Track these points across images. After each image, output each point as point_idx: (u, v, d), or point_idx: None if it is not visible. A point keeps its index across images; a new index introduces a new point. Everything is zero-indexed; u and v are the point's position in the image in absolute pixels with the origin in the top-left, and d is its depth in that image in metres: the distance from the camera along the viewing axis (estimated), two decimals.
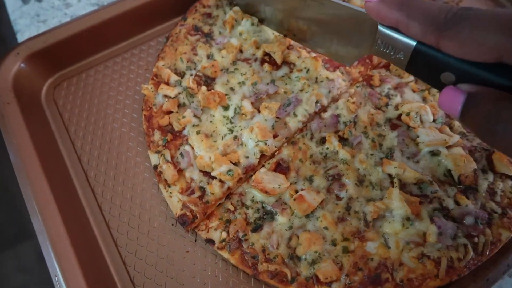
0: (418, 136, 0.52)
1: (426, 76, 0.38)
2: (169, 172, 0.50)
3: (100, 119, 0.57)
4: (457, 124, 0.54)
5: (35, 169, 0.48)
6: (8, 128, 0.50)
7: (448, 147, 0.51)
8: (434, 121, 0.54)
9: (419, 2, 0.34)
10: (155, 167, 0.52)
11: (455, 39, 0.31)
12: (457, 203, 0.47)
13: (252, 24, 0.60)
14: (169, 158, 0.52)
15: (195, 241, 0.50)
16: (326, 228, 0.47)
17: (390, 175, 0.50)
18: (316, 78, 0.57)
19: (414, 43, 0.36)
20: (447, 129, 0.52)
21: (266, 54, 0.59)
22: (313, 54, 0.59)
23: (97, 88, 0.60)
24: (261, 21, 0.61)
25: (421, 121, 0.53)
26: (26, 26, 0.66)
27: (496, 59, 0.29)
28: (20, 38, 0.65)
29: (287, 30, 0.57)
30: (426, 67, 0.36)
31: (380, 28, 0.39)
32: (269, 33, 0.61)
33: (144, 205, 0.52)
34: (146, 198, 0.52)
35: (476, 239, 0.44)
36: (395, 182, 0.49)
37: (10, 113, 0.51)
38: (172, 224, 0.51)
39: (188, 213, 0.48)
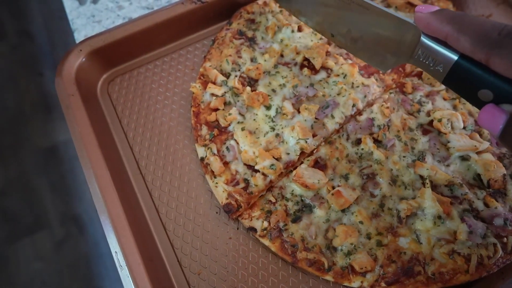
0: (449, 141, 0.55)
1: (463, 90, 0.38)
2: (216, 164, 0.54)
3: (150, 113, 0.62)
4: (486, 131, 0.57)
5: (97, 155, 0.53)
6: (72, 118, 0.55)
7: (478, 153, 0.54)
8: (464, 128, 0.57)
9: (472, 18, 0.34)
10: (202, 159, 0.56)
11: (507, 58, 0.30)
12: (486, 205, 0.50)
13: (292, 31, 0.65)
14: (215, 151, 0.56)
15: (237, 228, 0.54)
16: (361, 222, 0.51)
17: (421, 177, 0.53)
18: (352, 83, 0.61)
19: (455, 57, 0.36)
20: (477, 135, 0.56)
21: (305, 59, 0.63)
22: (350, 61, 0.63)
23: (147, 84, 0.65)
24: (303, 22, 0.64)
25: (452, 128, 0.57)
26: (83, 26, 0.71)
27: None
28: (77, 36, 0.70)
29: (325, 33, 0.59)
30: (465, 82, 0.36)
31: (423, 39, 0.39)
32: (308, 39, 0.65)
33: (190, 194, 0.56)
34: (192, 187, 0.56)
35: (505, 239, 0.47)
36: (427, 183, 0.52)
37: (74, 104, 0.56)
38: (216, 212, 0.55)
39: (233, 202, 0.52)
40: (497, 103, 0.34)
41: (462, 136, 0.55)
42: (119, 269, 0.46)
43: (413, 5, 0.67)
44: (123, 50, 0.64)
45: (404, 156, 0.55)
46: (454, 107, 0.59)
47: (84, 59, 0.61)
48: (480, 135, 0.56)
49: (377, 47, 0.49)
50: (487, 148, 0.54)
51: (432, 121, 0.58)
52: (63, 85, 0.57)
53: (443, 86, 0.61)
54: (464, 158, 0.54)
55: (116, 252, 0.47)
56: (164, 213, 0.55)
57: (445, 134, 0.56)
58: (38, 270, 1.75)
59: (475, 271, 0.46)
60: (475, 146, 0.53)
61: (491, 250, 0.47)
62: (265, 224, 0.52)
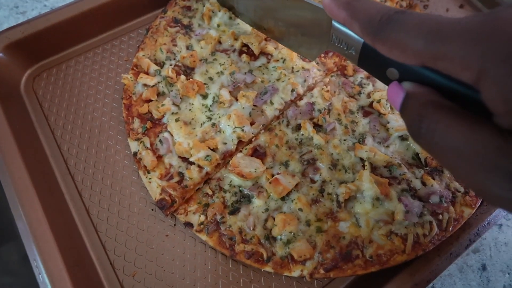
0: (388, 122, 0.55)
1: (374, 71, 0.38)
2: (148, 158, 0.51)
3: (80, 109, 0.58)
4: None
5: (13, 157, 0.49)
6: None
7: None
8: None
9: (363, 3, 0.34)
10: (135, 154, 0.53)
11: (385, 42, 0.31)
12: (423, 183, 0.50)
13: (230, 17, 0.62)
14: (148, 145, 0.53)
15: (175, 225, 0.51)
16: (300, 209, 0.49)
17: (362, 159, 0.52)
18: (292, 68, 0.59)
19: (362, 40, 0.36)
20: None
21: (244, 45, 0.61)
22: None
23: (77, 78, 0.60)
24: (237, 15, 0.63)
25: (391, 108, 0.56)
26: (5, 18, 0.66)
27: (420, 64, 0.29)
28: None
29: (258, 25, 0.59)
30: (374, 62, 0.37)
31: (334, 23, 0.39)
32: (247, 25, 0.62)
33: (124, 192, 0.53)
34: (126, 185, 0.53)
35: (440, 216, 0.47)
36: (366, 165, 0.51)
37: None
38: (152, 209, 0.52)
39: (167, 198, 0.49)
40: (401, 80, 0.34)
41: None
42: (37, 277, 0.43)
43: None
44: (48, 42, 0.60)
45: (344, 140, 0.54)
46: None
47: (1, 54, 0.56)
48: None
49: (301, 36, 0.50)
50: None
51: (372, 102, 0.57)
52: None
53: None
54: (403, 138, 0.54)
55: (34, 259, 0.43)
56: (95, 214, 0.51)
57: (385, 114, 0.55)
58: (7, 285, 1.66)
59: (412, 250, 0.45)
60: None
61: (427, 228, 0.46)
62: (202, 218, 0.49)
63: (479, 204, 0.48)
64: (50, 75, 0.60)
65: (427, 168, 0.51)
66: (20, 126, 0.53)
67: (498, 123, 0.25)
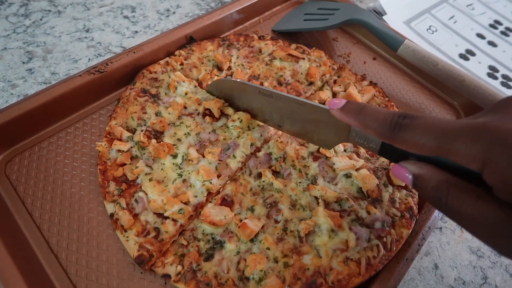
0: (334, 164, 0.65)
1: (396, 159, 0.42)
2: (125, 217, 0.55)
3: (57, 187, 0.61)
4: (362, 150, 0.68)
5: None
6: None
7: (357, 170, 0.64)
8: (344, 150, 0.67)
9: (370, 111, 0.41)
10: (111, 215, 0.57)
11: (400, 141, 0.37)
12: (368, 212, 0.59)
13: (195, 86, 0.72)
14: (124, 206, 0.57)
15: (165, 283, 0.54)
16: (268, 248, 0.55)
17: (316, 197, 0.61)
18: (248, 126, 0.69)
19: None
20: (355, 155, 0.66)
21: (206, 108, 0.70)
22: None
23: (51, 158, 0.64)
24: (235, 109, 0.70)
25: (335, 152, 0.67)
26: None
27: (435, 155, 0.35)
28: None
29: (263, 120, 0.67)
30: (394, 153, 0.43)
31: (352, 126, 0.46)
32: (209, 92, 0.73)
33: (111, 261, 0.55)
34: (113, 254, 0.55)
35: (385, 239, 0.56)
36: (320, 202, 0.59)
37: None
38: (141, 273, 0.54)
39: (144, 253, 0.53)
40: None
41: (343, 158, 0.65)
42: None
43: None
44: (19, 128, 0.63)
45: (300, 182, 0.63)
46: None
47: None
48: (358, 155, 0.67)
49: (320, 135, 0.57)
50: (362, 164, 0.64)
51: (319, 148, 0.68)
52: None
53: None
54: (347, 176, 0.64)
55: None
56: (84, 287, 0.52)
57: (330, 157, 0.66)
58: None
59: (366, 272, 0.52)
60: (353, 164, 0.63)
61: (375, 250, 0.54)
62: (179, 268, 0.53)
63: (413, 225, 0.57)
64: (23, 158, 0.63)
65: (369, 199, 0.61)
66: None
67: (497, 194, 0.32)
